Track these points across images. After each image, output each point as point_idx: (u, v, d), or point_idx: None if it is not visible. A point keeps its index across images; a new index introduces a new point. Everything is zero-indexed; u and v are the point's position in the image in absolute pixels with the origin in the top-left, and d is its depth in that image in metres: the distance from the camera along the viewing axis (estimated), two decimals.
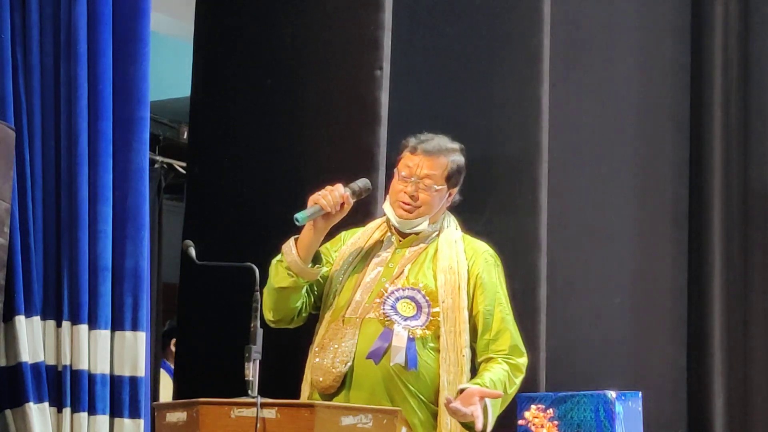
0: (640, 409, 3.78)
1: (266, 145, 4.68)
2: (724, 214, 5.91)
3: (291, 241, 3.62)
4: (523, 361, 3.60)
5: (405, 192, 3.65)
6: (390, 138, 4.33)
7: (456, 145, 3.74)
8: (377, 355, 3.53)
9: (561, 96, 5.17)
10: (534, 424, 3.76)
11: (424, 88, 4.96)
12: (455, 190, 3.74)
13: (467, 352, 3.56)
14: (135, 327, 3.88)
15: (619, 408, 3.67)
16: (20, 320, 3.70)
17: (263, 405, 3.02)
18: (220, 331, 4.25)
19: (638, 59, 5.85)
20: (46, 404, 3.72)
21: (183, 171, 5.98)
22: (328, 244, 3.76)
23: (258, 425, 2.99)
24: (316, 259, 3.65)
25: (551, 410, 3.74)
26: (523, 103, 4.88)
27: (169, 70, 6.02)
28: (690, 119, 5.99)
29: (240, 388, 3.36)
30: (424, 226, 3.67)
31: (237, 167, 4.75)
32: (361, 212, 3.91)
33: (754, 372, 5.83)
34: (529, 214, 4.81)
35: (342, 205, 3.60)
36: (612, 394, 3.68)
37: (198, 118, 4.96)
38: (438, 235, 3.70)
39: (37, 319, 3.75)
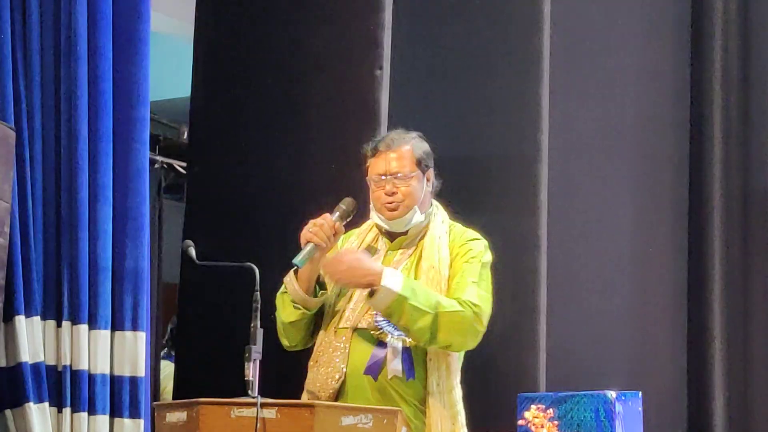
0: (640, 409, 3.78)
1: (266, 145, 4.68)
2: (724, 214, 5.90)
3: (291, 273, 3.63)
4: (476, 312, 3.51)
5: (385, 193, 3.65)
6: None
7: (413, 133, 3.75)
8: (374, 371, 3.52)
9: (561, 96, 5.16)
10: (534, 424, 3.75)
11: (424, 88, 4.96)
12: (430, 172, 3.74)
13: (451, 356, 3.55)
14: (135, 327, 3.89)
15: (619, 408, 3.66)
16: (20, 320, 3.70)
17: (263, 405, 3.02)
18: (220, 331, 4.25)
19: (638, 59, 5.85)
20: (46, 404, 3.73)
21: (183, 171, 5.97)
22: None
23: (258, 425, 2.99)
24: (319, 285, 3.67)
25: (551, 410, 3.73)
26: (523, 103, 4.87)
27: (169, 70, 6.02)
28: (690, 119, 5.99)
29: (240, 388, 3.36)
30: (418, 217, 3.66)
31: (237, 167, 4.75)
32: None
33: (755, 372, 5.82)
34: (529, 214, 4.81)
35: (335, 234, 3.62)
36: (612, 394, 3.68)
37: (198, 118, 4.96)
38: (425, 234, 3.68)
39: (37, 319, 3.75)
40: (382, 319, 3.55)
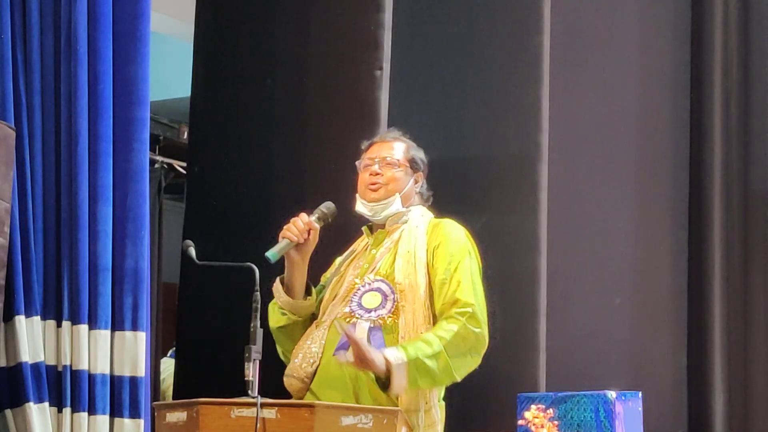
0: (640, 409, 3.78)
1: (266, 145, 4.68)
2: (724, 214, 5.90)
3: (277, 281, 3.68)
4: (474, 324, 3.52)
5: (370, 174, 3.71)
6: None
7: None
8: (343, 349, 3.53)
9: (561, 96, 5.16)
10: (534, 424, 3.75)
11: (424, 88, 4.96)
12: (420, 175, 3.79)
13: (426, 329, 3.54)
14: (135, 327, 3.89)
15: (619, 408, 3.66)
16: (20, 320, 3.70)
17: (263, 405, 3.03)
18: (220, 331, 4.25)
19: (638, 59, 5.85)
20: (46, 404, 3.72)
21: (183, 171, 5.97)
22: (326, 272, 3.84)
23: (258, 425, 2.99)
24: (308, 291, 3.71)
25: (551, 410, 3.73)
26: (523, 103, 4.87)
27: (169, 70, 6.02)
28: (690, 119, 5.98)
29: (240, 388, 3.36)
30: (397, 206, 3.69)
31: (237, 167, 4.75)
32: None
33: (755, 372, 5.82)
34: (529, 214, 4.81)
35: (309, 232, 3.63)
36: (612, 394, 3.68)
37: (198, 118, 4.97)
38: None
39: (37, 319, 3.75)
40: (356, 305, 3.58)
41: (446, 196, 4.82)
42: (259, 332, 3.27)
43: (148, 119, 4.01)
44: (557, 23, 5.04)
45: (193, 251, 3.52)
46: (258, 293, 3.34)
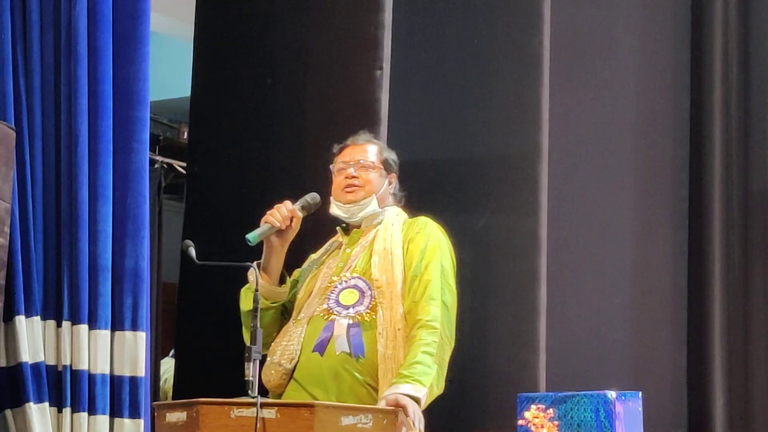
0: (640, 409, 3.78)
1: (266, 145, 4.68)
2: (724, 215, 5.90)
3: (254, 264, 3.66)
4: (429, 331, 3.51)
5: (345, 177, 3.74)
6: (390, 138, 4.33)
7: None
8: (321, 347, 3.55)
9: (561, 96, 5.16)
10: (534, 424, 3.75)
11: (424, 88, 4.96)
12: (394, 177, 3.82)
13: (404, 325, 3.55)
14: (135, 327, 3.89)
15: (619, 408, 3.66)
16: (20, 320, 3.70)
17: (263, 405, 3.02)
18: (220, 331, 4.25)
19: (638, 59, 5.85)
20: (46, 404, 3.72)
21: (183, 171, 5.97)
22: (299, 269, 3.85)
23: (258, 425, 2.99)
24: (282, 280, 3.72)
25: (551, 410, 3.73)
26: (523, 103, 4.87)
27: (169, 70, 6.02)
28: (690, 119, 5.98)
29: (240, 388, 3.36)
30: (373, 207, 3.71)
31: (237, 167, 4.75)
32: None
33: (755, 372, 5.81)
34: (529, 214, 4.81)
35: (291, 219, 3.65)
36: (612, 394, 3.68)
37: (198, 118, 4.96)
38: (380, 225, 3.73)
39: (37, 319, 3.75)
40: (333, 302, 3.58)
41: (446, 196, 4.83)
42: (259, 332, 3.27)
43: (148, 119, 4.01)
44: (557, 23, 5.04)
45: (193, 251, 3.52)
46: (258, 293, 3.35)
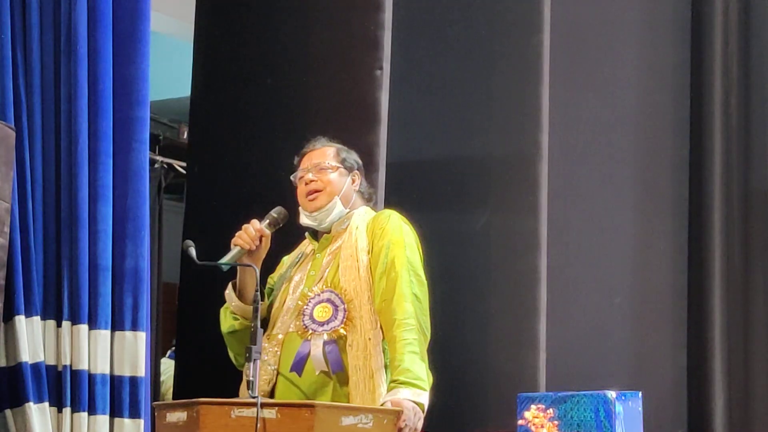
0: (640, 409, 3.78)
1: (266, 145, 4.67)
2: (724, 214, 5.90)
3: (230, 286, 3.69)
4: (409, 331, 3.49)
5: (305, 183, 3.72)
6: (390, 138, 4.33)
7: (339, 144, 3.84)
8: (299, 367, 3.54)
9: (561, 96, 5.16)
10: (534, 424, 3.75)
11: (424, 88, 4.96)
12: (357, 174, 3.79)
13: (374, 334, 3.53)
14: (135, 327, 3.88)
15: (619, 408, 3.66)
16: (20, 320, 3.69)
17: (263, 405, 3.02)
18: (220, 332, 4.24)
19: (638, 59, 5.85)
20: (46, 404, 3.72)
21: (183, 171, 5.97)
22: (274, 273, 3.82)
23: (258, 425, 2.99)
24: (262, 296, 3.68)
25: (551, 410, 3.73)
26: (523, 102, 4.88)
27: (169, 70, 6.02)
28: (690, 119, 5.99)
29: (240, 388, 3.36)
30: (339, 209, 3.69)
31: (237, 167, 4.75)
32: None
33: (755, 372, 5.82)
34: (529, 214, 4.81)
35: (261, 238, 3.64)
36: (612, 394, 3.68)
37: (198, 118, 4.96)
38: (347, 228, 3.70)
39: (37, 319, 3.75)
40: (308, 318, 3.57)
41: (446, 196, 4.84)
42: (259, 332, 3.27)
43: (148, 119, 4.00)
44: (557, 23, 5.05)
45: (193, 251, 3.52)
46: (258, 293, 3.35)
